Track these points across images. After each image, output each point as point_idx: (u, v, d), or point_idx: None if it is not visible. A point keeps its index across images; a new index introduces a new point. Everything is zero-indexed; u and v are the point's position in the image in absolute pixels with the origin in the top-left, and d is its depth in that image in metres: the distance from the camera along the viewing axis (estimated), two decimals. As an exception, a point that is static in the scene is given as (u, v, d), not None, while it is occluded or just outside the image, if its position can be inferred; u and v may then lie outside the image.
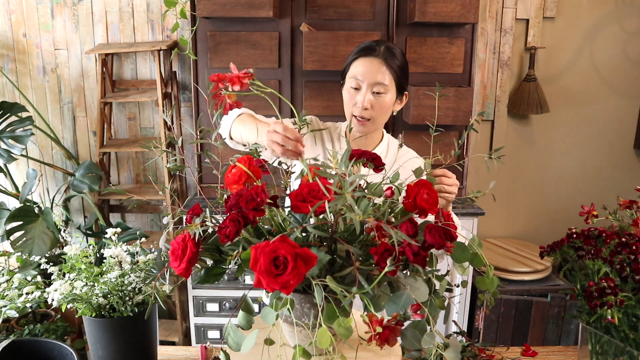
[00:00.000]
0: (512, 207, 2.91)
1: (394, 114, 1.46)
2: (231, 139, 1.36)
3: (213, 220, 0.85)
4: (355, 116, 1.38)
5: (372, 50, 1.37)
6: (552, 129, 2.84)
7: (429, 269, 0.80)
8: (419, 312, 0.76)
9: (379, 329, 0.73)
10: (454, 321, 1.35)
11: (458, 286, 0.96)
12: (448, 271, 0.95)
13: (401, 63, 1.40)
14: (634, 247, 0.96)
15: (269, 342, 0.78)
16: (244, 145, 1.33)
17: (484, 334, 2.46)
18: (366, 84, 1.36)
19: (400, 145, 1.31)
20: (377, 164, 0.92)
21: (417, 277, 0.77)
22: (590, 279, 1.01)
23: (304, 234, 0.81)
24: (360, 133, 1.42)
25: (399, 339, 0.78)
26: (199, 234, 0.82)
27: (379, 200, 0.84)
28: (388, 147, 1.49)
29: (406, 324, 0.80)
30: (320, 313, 0.73)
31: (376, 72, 1.35)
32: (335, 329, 0.72)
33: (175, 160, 1.04)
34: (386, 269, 0.72)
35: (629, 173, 2.91)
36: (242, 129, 1.31)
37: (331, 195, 0.74)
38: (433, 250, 0.81)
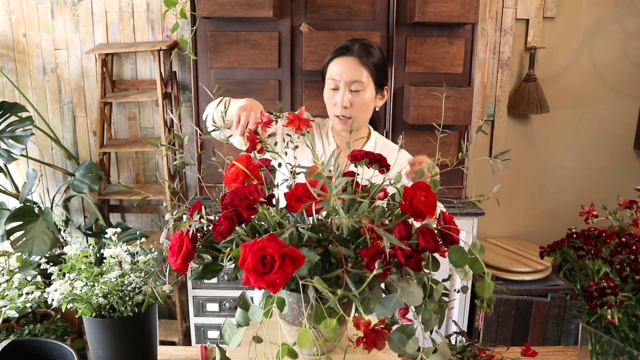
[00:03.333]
0: (512, 207, 2.91)
1: (377, 109, 1.49)
2: (214, 123, 1.38)
3: (209, 218, 0.85)
4: (337, 116, 1.41)
5: (347, 49, 1.40)
6: (552, 129, 2.84)
7: (426, 271, 0.79)
8: (406, 316, 0.76)
9: (361, 333, 0.73)
10: (454, 321, 1.35)
11: (458, 292, 0.96)
12: (450, 275, 0.94)
13: (377, 59, 1.42)
14: (634, 247, 0.96)
15: (257, 339, 0.78)
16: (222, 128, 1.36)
17: (484, 334, 2.46)
18: (343, 83, 1.38)
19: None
20: (381, 164, 0.92)
21: (411, 280, 0.76)
22: (590, 279, 1.01)
23: (300, 233, 0.81)
24: (343, 130, 1.44)
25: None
26: (194, 230, 0.82)
27: (381, 203, 0.83)
28: (375, 145, 1.51)
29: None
30: (306, 314, 0.73)
31: (352, 71, 1.38)
32: (321, 329, 0.71)
33: (181, 157, 1.04)
34: (374, 272, 0.71)
35: (629, 173, 2.91)
36: (218, 108, 1.35)
37: (319, 197, 0.74)
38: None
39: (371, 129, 1.54)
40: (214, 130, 1.28)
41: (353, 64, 1.38)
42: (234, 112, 1.23)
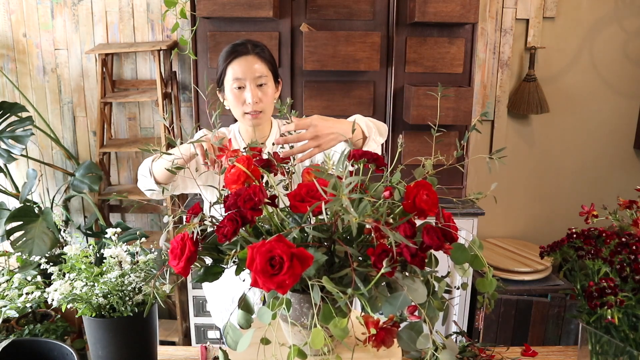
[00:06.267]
0: (512, 207, 2.91)
1: (275, 101, 1.53)
2: (157, 183, 1.38)
3: (211, 220, 0.85)
4: (248, 113, 1.44)
5: (244, 48, 1.44)
6: (552, 129, 2.84)
7: (428, 269, 0.79)
8: (415, 313, 0.76)
9: (374, 331, 0.73)
10: (454, 321, 1.35)
11: (458, 288, 0.96)
12: (449, 272, 0.94)
13: (270, 54, 1.49)
14: (634, 247, 0.96)
15: (265, 341, 0.78)
16: (165, 182, 1.38)
17: (484, 334, 2.46)
18: (249, 79, 1.42)
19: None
20: (378, 164, 0.92)
21: (415, 278, 0.77)
22: (590, 279, 1.01)
23: (303, 234, 0.81)
24: (256, 126, 1.48)
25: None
26: (198, 233, 0.82)
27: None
28: (279, 130, 1.56)
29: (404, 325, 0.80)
30: (315, 313, 0.73)
31: (255, 67, 1.43)
32: (331, 329, 0.71)
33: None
34: (382, 270, 0.71)
35: (629, 173, 2.91)
36: (165, 163, 1.32)
37: (328, 197, 0.74)
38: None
39: (272, 119, 1.59)
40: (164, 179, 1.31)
41: (254, 61, 1.43)
42: (187, 147, 1.23)
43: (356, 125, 1.29)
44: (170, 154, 1.17)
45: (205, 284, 1.68)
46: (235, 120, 1.58)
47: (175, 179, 1.42)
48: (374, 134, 1.36)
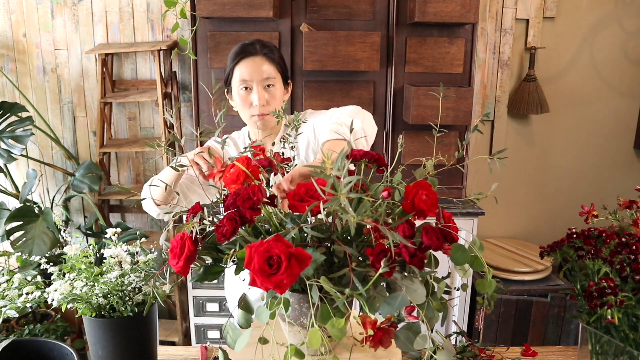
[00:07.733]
0: (512, 207, 2.91)
1: (284, 103, 1.51)
2: (157, 205, 1.31)
3: (211, 219, 0.85)
4: (254, 115, 1.42)
5: (252, 49, 1.41)
6: (552, 129, 2.84)
7: (427, 270, 0.79)
8: (413, 313, 0.76)
9: (372, 331, 0.73)
10: (454, 321, 1.35)
11: (458, 289, 0.96)
12: (449, 273, 0.94)
13: (279, 55, 1.46)
14: (634, 247, 0.96)
15: (263, 341, 0.78)
16: (167, 202, 1.33)
17: (484, 334, 2.46)
18: (256, 81, 1.40)
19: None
20: (379, 164, 0.92)
21: (414, 278, 0.77)
22: (590, 279, 1.01)
23: (302, 234, 0.81)
24: (263, 128, 1.46)
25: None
26: (197, 232, 0.82)
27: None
28: (284, 129, 1.53)
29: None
30: (313, 313, 0.73)
31: (262, 68, 1.40)
32: (328, 329, 0.71)
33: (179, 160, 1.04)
34: (380, 270, 0.71)
35: (629, 173, 2.91)
36: (163, 178, 1.30)
37: (326, 196, 0.74)
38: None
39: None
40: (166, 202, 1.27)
41: (261, 62, 1.40)
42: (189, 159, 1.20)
43: (326, 147, 1.22)
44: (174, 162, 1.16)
45: (227, 286, 1.65)
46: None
47: (174, 196, 1.40)
48: (352, 128, 1.33)
